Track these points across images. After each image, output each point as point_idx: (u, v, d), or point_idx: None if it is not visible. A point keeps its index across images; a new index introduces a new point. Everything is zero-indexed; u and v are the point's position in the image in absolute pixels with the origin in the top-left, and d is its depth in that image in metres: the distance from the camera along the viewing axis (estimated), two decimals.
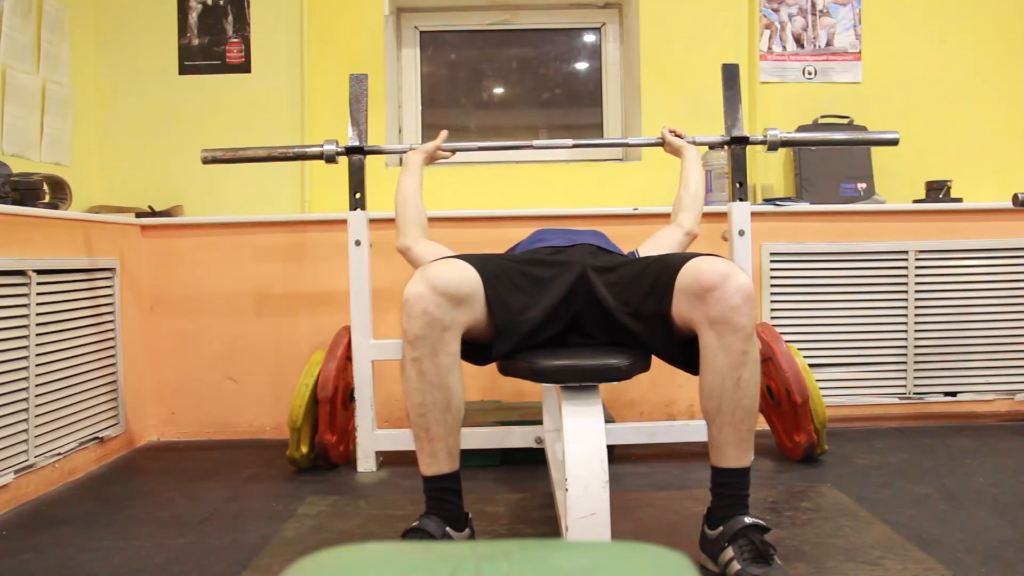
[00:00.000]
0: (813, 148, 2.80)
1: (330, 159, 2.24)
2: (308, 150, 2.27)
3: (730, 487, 1.46)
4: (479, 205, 2.72)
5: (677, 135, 2.24)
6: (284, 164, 2.81)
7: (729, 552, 1.41)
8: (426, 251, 2.01)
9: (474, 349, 1.53)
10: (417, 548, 0.54)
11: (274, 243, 2.72)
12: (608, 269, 1.60)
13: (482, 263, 1.50)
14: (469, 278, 1.44)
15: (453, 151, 2.27)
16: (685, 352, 1.50)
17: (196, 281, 2.71)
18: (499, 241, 2.15)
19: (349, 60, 2.77)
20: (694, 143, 2.23)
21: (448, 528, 1.47)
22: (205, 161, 2.25)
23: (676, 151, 2.23)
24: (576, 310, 1.57)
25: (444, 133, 2.24)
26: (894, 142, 2.27)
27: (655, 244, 2.06)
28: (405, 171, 2.17)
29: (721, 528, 1.44)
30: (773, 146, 2.25)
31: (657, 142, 2.27)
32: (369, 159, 2.32)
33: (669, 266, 1.47)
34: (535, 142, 2.30)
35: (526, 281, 1.55)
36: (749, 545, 1.40)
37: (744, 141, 2.24)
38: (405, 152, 2.22)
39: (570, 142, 2.28)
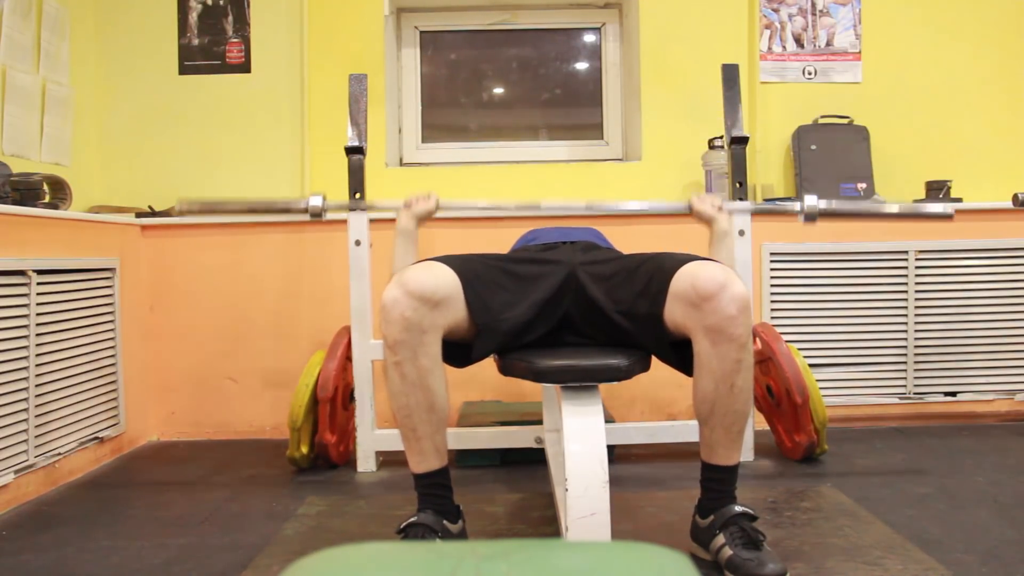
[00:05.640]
0: (813, 147, 2.80)
1: (316, 215, 2.04)
2: (292, 205, 2.07)
3: (719, 482, 1.52)
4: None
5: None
6: (284, 164, 2.82)
7: (721, 539, 1.47)
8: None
9: (458, 350, 1.52)
10: (417, 548, 0.54)
11: (274, 243, 2.72)
12: (599, 266, 1.59)
13: (461, 264, 1.50)
14: (446, 280, 1.44)
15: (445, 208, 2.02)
16: (679, 352, 1.50)
17: (196, 281, 2.71)
18: (499, 241, 2.14)
19: (349, 60, 2.77)
20: (723, 209, 1.86)
21: (444, 521, 1.49)
22: (180, 212, 2.08)
23: (705, 219, 1.87)
24: (567, 308, 1.57)
25: (434, 196, 1.98)
26: (949, 216, 2.02)
27: None
28: (401, 239, 1.94)
29: (712, 517, 1.51)
30: (811, 216, 1.96)
31: (684, 210, 1.94)
32: (368, 159, 2.31)
33: (663, 268, 1.47)
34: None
35: (509, 280, 1.55)
36: (740, 532, 1.46)
37: (744, 141, 2.24)
38: (398, 207, 2.00)
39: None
